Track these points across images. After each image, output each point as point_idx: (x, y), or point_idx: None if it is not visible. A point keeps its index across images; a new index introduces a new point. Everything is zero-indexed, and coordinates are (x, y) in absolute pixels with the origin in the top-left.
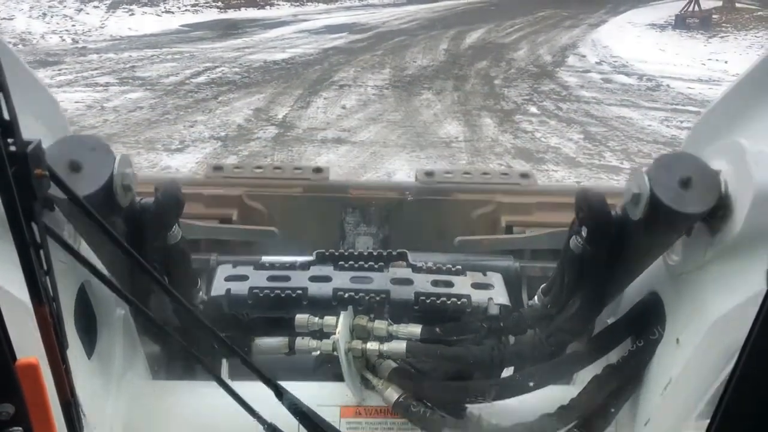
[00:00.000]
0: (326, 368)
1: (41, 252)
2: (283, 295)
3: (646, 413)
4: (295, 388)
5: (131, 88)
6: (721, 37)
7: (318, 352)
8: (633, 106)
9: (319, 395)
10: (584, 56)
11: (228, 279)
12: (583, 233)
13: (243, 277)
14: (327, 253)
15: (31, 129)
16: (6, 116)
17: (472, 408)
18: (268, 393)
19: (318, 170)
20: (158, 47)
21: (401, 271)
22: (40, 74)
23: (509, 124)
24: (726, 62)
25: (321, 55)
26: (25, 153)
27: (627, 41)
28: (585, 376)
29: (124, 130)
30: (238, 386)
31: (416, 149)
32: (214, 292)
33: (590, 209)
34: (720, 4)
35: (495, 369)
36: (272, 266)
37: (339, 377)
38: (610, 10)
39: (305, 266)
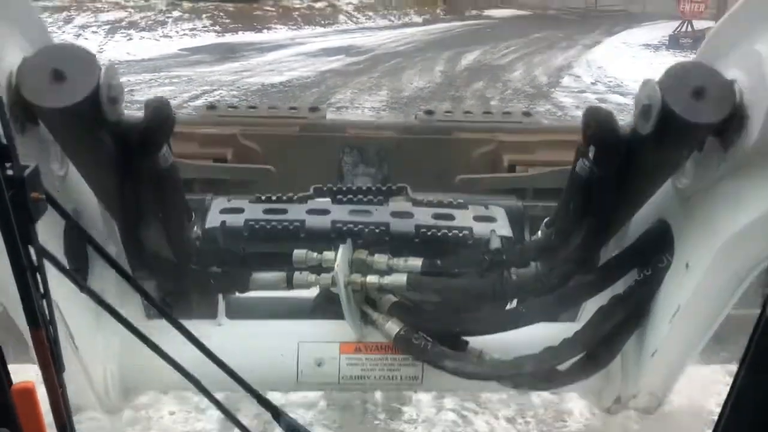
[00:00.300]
0: (325, 308)
1: (38, 275)
2: (279, 227)
3: (653, 344)
4: (294, 326)
5: (128, 112)
6: None
7: (317, 290)
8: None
9: (319, 333)
10: (579, 77)
11: (223, 212)
12: (591, 154)
13: (238, 210)
14: (325, 188)
15: (9, 39)
16: (3, 141)
17: (474, 341)
18: (266, 332)
19: (314, 109)
20: (156, 71)
21: (401, 205)
22: None
23: None
24: None
25: (318, 77)
26: (22, 177)
27: (622, 61)
28: (590, 309)
29: None
30: (235, 325)
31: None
32: (208, 225)
33: (598, 125)
34: (712, 24)
35: (497, 302)
36: (269, 200)
37: (338, 316)
38: (604, 31)
39: (302, 200)
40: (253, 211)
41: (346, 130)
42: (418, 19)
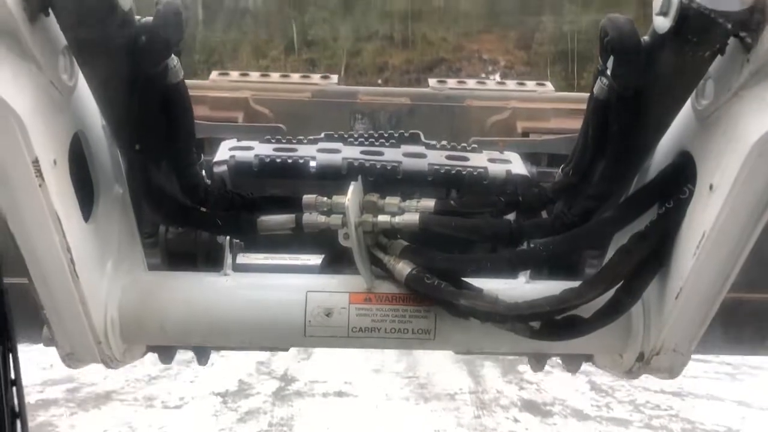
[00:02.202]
0: (333, 269)
1: None
2: (290, 161)
3: (677, 283)
4: (302, 278)
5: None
6: None
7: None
8: None
9: (328, 283)
10: None
11: (232, 149)
12: (609, 70)
13: (248, 148)
14: (336, 134)
15: None
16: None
17: (489, 283)
18: (273, 283)
19: (326, 77)
20: None
21: (414, 147)
22: None
23: None
24: None
25: None
26: None
27: None
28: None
29: None
30: (241, 277)
31: None
32: (217, 159)
33: (617, 30)
34: None
35: (514, 243)
36: (278, 141)
37: (348, 273)
38: None
39: (313, 142)
40: (263, 148)
41: (358, 96)
42: None
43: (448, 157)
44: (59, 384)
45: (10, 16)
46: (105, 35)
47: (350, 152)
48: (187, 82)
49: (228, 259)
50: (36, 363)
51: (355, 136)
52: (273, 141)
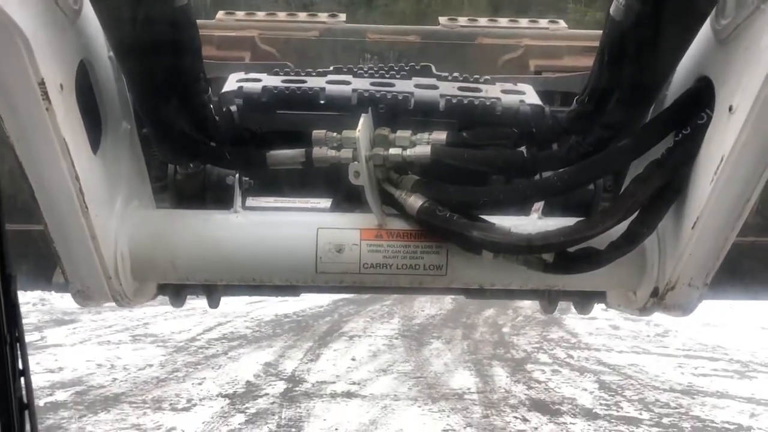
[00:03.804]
0: (343, 209)
1: None
2: (298, 91)
3: (694, 212)
4: (313, 216)
5: None
6: None
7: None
8: None
9: (339, 221)
10: None
11: (240, 81)
12: None
13: (256, 80)
14: (345, 68)
15: None
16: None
17: (501, 219)
18: (283, 221)
19: (334, 15)
20: None
21: (426, 79)
22: None
23: None
24: None
25: None
26: None
27: None
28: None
29: None
30: (250, 214)
31: None
32: (225, 90)
33: None
34: None
35: (528, 174)
36: (287, 74)
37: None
38: None
39: (322, 74)
40: (272, 80)
41: (367, 35)
42: None
43: (461, 89)
44: (68, 387)
45: None
46: None
47: (360, 84)
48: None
49: (238, 197)
50: (44, 366)
51: (365, 68)
52: (281, 73)
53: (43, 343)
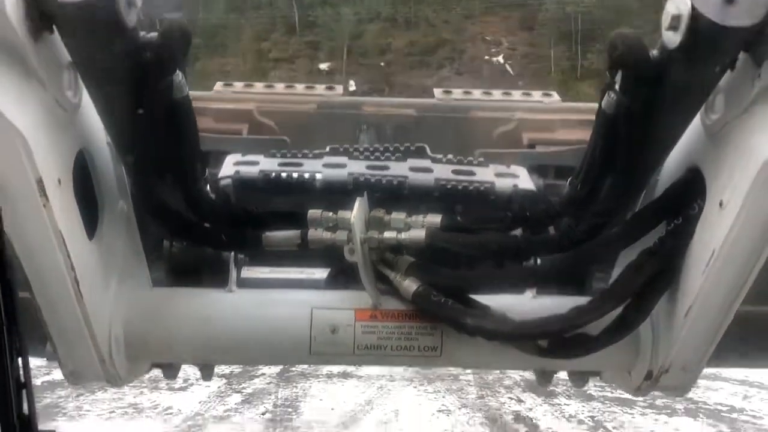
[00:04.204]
0: (339, 283)
1: None
2: (295, 178)
3: (687, 300)
4: (308, 294)
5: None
6: None
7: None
8: None
9: (333, 300)
10: None
11: (237, 164)
12: (617, 85)
13: (253, 163)
14: (341, 148)
15: None
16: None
17: (495, 305)
18: (278, 299)
19: (331, 88)
20: None
21: (420, 162)
22: None
23: None
24: None
25: None
26: None
27: None
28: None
29: None
30: (245, 293)
31: None
32: (221, 175)
33: (626, 45)
34: None
35: (521, 259)
36: (284, 155)
37: (354, 289)
38: None
39: (318, 156)
40: (268, 163)
41: (363, 107)
42: None
43: (455, 172)
44: None
45: (14, 33)
46: (110, 52)
47: (356, 167)
48: (192, 93)
49: (233, 274)
50: None
51: (361, 149)
52: (278, 155)
53: None
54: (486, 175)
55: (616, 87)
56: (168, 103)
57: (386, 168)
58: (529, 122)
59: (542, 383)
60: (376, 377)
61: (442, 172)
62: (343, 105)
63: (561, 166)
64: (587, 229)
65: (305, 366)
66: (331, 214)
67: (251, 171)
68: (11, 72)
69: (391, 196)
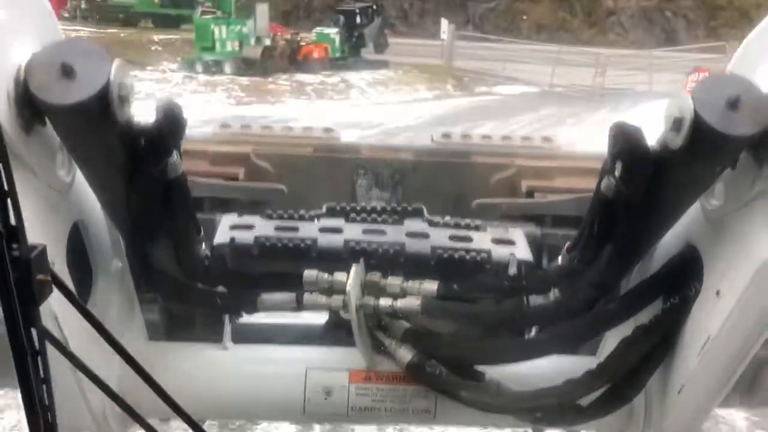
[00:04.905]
0: (335, 335)
1: (39, 359)
2: (291, 245)
3: (681, 379)
4: (302, 352)
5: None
6: None
7: (326, 317)
8: None
9: (328, 359)
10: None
11: (233, 228)
12: (617, 172)
13: (249, 227)
14: (338, 208)
15: (19, 34)
16: (12, 222)
17: (491, 373)
18: (272, 357)
19: (328, 130)
20: None
21: (417, 225)
22: None
23: None
24: None
25: None
26: (28, 258)
27: None
28: (611, 342)
29: None
30: (240, 350)
31: None
32: (217, 241)
33: (626, 140)
34: None
35: (516, 329)
36: (280, 217)
37: (349, 343)
38: (612, 109)
39: (314, 218)
40: (264, 227)
41: (361, 151)
42: (428, 95)
43: (452, 237)
44: None
45: (5, 132)
46: (103, 144)
47: (352, 232)
48: (189, 135)
49: (227, 329)
50: None
51: (357, 209)
52: (274, 216)
53: None
54: (483, 241)
55: (616, 174)
56: (162, 183)
57: (383, 233)
58: (528, 169)
59: None
60: None
61: (438, 238)
62: (340, 148)
63: (559, 216)
64: (583, 302)
65: None
66: (326, 276)
67: (247, 237)
68: None
69: (388, 264)
